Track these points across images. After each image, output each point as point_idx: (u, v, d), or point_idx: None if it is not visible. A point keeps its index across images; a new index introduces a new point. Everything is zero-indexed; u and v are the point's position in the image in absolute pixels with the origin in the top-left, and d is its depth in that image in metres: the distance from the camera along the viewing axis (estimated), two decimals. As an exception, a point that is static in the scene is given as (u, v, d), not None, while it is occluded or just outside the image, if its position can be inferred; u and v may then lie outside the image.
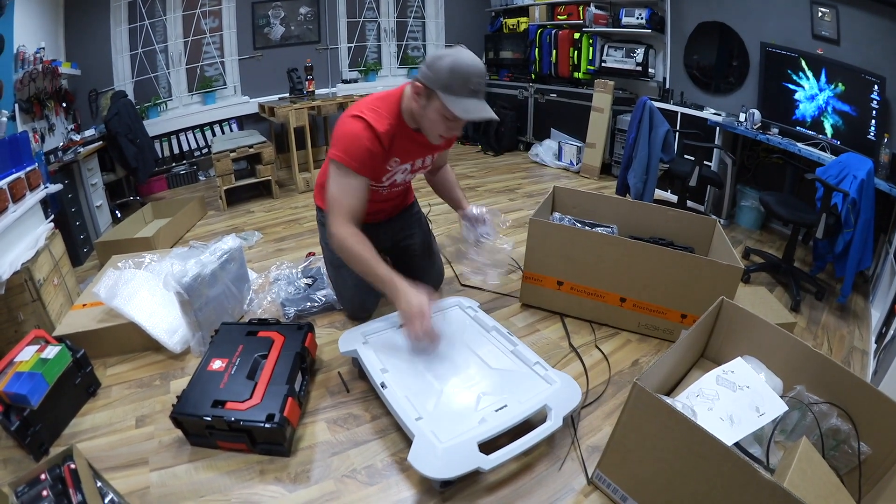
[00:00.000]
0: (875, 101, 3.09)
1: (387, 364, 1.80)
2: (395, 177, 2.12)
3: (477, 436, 1.50)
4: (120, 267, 2.56)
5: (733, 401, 1.49)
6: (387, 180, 2.12)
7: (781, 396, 1.51)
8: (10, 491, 1.44)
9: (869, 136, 3.16)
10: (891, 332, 2.17)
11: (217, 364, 1.88)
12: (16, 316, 2.34)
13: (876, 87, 3.06)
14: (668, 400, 1.39)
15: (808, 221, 2.75)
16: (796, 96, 3.57)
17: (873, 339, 2.49)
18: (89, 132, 4.28)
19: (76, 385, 2.00)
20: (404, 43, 6.24)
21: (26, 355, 1.93)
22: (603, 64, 5.03)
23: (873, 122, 3.13)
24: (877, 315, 2.65)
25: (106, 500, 1.45)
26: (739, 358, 1.62)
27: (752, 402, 1.47)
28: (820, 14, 3.41)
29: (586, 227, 2.37)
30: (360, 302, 2.39)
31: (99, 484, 1.48)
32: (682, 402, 1.52)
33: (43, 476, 1.47)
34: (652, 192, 3.65)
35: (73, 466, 1.48)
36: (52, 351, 1.95)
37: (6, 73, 3.28)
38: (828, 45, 3.40)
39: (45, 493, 1.42)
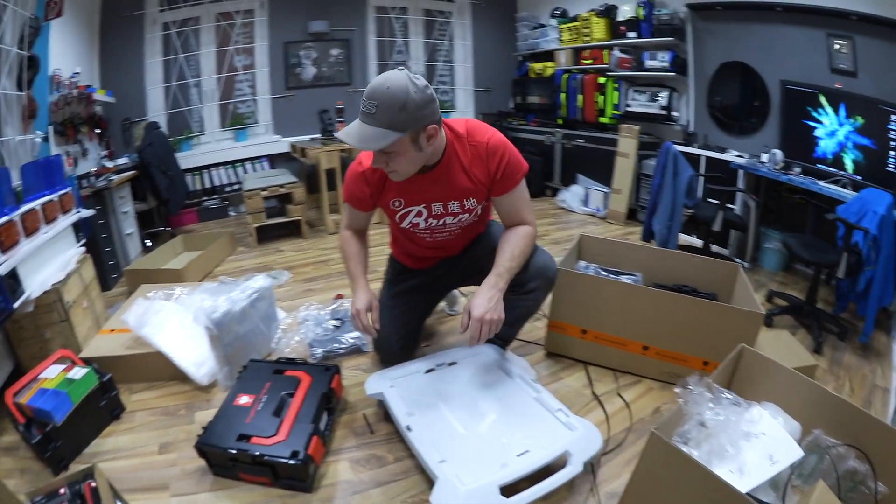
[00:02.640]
0: (894, 132, 3.09)
1: (412, 408, 1.82)
2: (413, 219, 1.98)
3: (498, 479, 1.51)
4: (150, 297, 2.61)
5: (748, 449, 1.49)
6: (406, 223, 2.00)
7: (799, 441, 1.51)
8: (26, 499, 1.47)
9: (888, 168, 3.15)
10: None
11: (244, 399, 1.91)
12: (42, 333, 2.38)
13: (894, 116, 3.06)
14: (685, 448, 1.40)
15: (830, 262, 2.73)
16: (816, 133, 3.57)
17: (895, 375, 2.47)
18: (122, 160, 4.36)
19: (101, 407, 2.05)
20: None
21: (52, 373, 1.98)
22: (628, 108, 5.06)
23: (892, 153, 3.12)
24: (899, 351, 2.61)
25: (125, 521, 1.47)
26: (757, 405, 1.62)
27: (766, 449, 1.47)
28: (837, 47, 3.43)
29: (611, 276, 2.39)
30: (386, 340, 2.26)
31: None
32: (698, 450, 1.52)
33: (62, 490, 1.50)
34: (676, 238, 3.66)
35: (93, 485, 1.50)
36: (79, 372, 2.00)
37: (41, 94, 3.33)
38: (846, 78, 3.41)
39: (63, 506, 1.43)
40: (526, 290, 2.02)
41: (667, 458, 1.35)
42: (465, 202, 1.93)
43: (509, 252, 1.85)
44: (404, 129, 1.59)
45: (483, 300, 1.75)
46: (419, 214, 1.95)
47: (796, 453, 1.45)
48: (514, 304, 2.00)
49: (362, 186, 1.92)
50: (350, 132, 1.62)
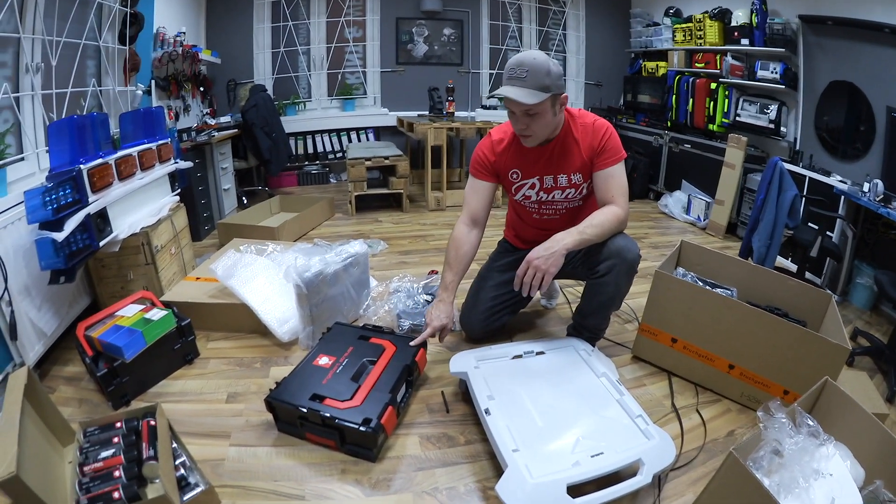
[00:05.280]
0: None
1: (494, 392, 1.81)
2: (526, 192, 2.20)
3: (568, 478, 1.49)
4: (241, 250, 2.68)
5: (816, 487, 1.43)
6: (520, 195, 2.22)
7: (860, 488, 1.44)
8: (79, 428, 1.51)
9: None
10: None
11: (324, 360, 1.95)
12: (126, 274, 2.49)
13: None
14: (758, 475, 1.35)
15: (916, 306, 2.57)
16: (917, 167, 3.33)
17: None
18: (225, 119, 4.53)
19: (174, 350, 2.12)
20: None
21: (129, 311, 2.06)
22: (737, 118, 4.87)
23: None
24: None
25: (177, 462, 1.48)
26: (832, 442, 1.55)
27: (830, 491, 1.41)
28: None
29: (707, 287, 2.32)
30: (472, 310, 2.38)
31: (174, 445, 1.53)
32: (768, 479, 1.46)
33: (118, 424, 1.53)
34: (774, 259, 3.49)
35: (152, 423, 1.52)
36: (157, 314, 2.06)
37: (145, 49, 3.51)
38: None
39: (115, 439, 1.46)
40: (602, 272, 2.06)
41: (739, 483, 1.31)
42: (573, 177, 2.12)
43: (588, 220, 1.98)
44: (549, 91, 1.84)
45: (541, 248, 1.89)
46: (532, 187, 2.18)
47: (856, 502, 1.39)
48: (595, 290, 2.13)
49: (487, 154, 2.18)
50: (509, 91, 1.84)
